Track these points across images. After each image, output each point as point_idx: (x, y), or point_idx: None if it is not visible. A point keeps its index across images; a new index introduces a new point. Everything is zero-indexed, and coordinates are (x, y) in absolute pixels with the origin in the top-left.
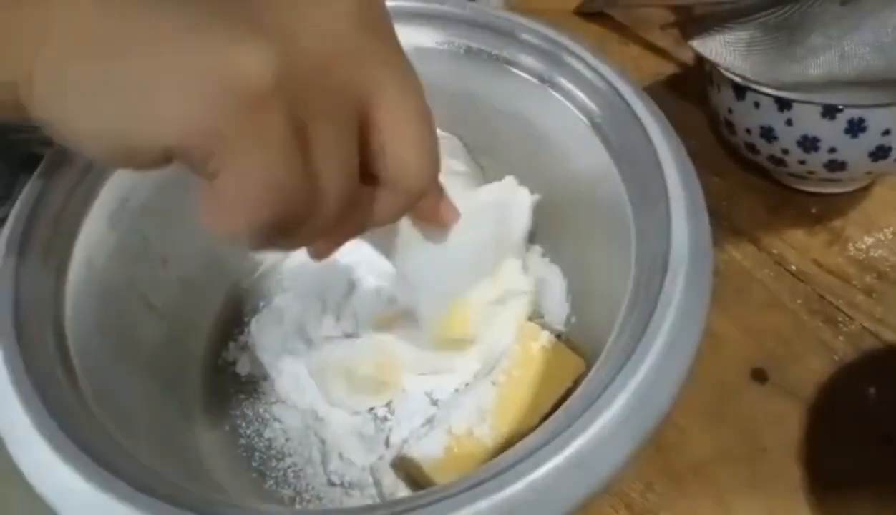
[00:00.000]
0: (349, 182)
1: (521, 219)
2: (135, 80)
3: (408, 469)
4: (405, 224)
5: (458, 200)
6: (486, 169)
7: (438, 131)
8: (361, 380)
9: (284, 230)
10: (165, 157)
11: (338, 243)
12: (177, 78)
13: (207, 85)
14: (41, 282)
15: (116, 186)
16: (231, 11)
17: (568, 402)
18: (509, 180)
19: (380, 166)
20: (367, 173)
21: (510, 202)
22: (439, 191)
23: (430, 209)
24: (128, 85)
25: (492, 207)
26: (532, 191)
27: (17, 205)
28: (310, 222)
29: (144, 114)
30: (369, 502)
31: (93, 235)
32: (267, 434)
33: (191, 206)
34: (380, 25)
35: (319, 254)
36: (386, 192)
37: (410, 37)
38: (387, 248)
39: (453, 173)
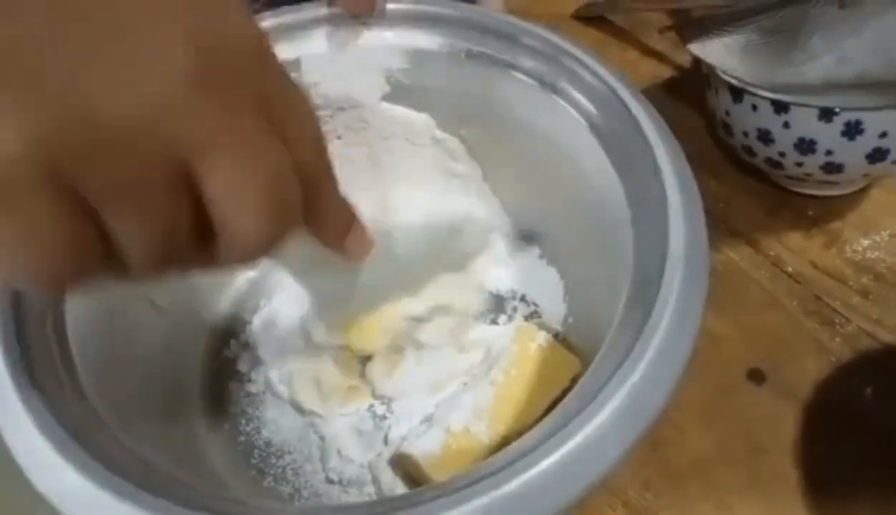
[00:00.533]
0: (159, 245)
1: (473, 242)
2: None
3: (406, 467)
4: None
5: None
6: (485, 171)
7: (438, 132)
8: (329, 387)
9: (67, 283)
10: None
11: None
12: None
13: None
14: None
15: None
16: (14, 66)
17: (564, 401)
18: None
19: (213, 221)
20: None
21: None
22: (342, 224)
23: (331, 244)
24: None
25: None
26: (531, 193)
27: None
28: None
29: None
30: (367, 499)
31: None
32: (266, 431)
33: None
34: (219, 80)
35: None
36: (223, 247)
37: (410, 39)
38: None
39: (453, 175)
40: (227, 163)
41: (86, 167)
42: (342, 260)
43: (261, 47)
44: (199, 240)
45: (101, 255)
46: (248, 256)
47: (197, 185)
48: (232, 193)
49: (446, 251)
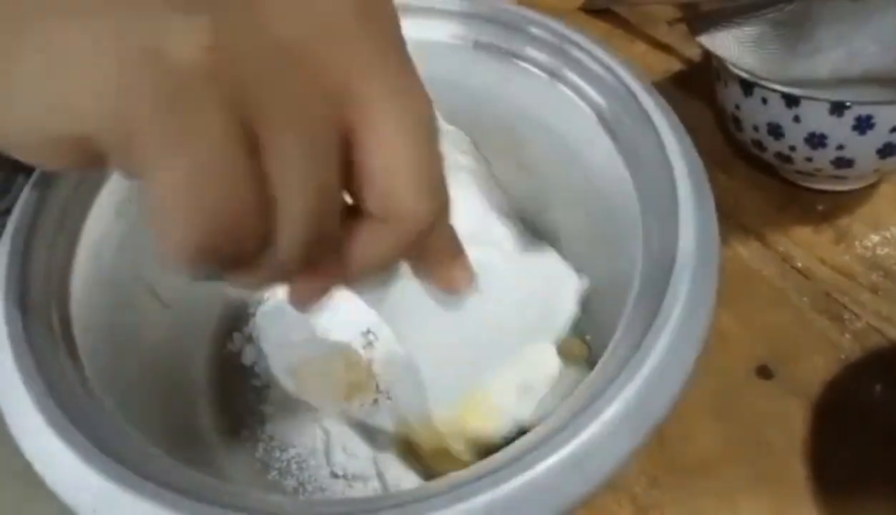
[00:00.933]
0: (319, 206)
1: (565, 305)
2: (43, 56)
3: (410, 448)
4: (410, 284)
5: (484, 267)
6: (493, 164)
7: (444, 125)
8: (335, 382)
9: (231, 259)
10: (86, 151)
11: (320, 289)
12: (92, 51)
13: (125, 60)
14: (48, 272)
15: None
16: None
17: (571, 398)
18: (553, 256)
19: (365, 194)
20: (355, 205)
21: (552, 279)
22: (453, 247)
23: (436, 266)
24: (36, 61)
25: (528, 280)
26: (539, 186)
27: (26, 192)
28: (268, 254)
29: (53, 95)
30: (371, 494)
31: (101, 224)
32: (271, 424)
33: None
34: (381, 17)
35: (298, 300)
36: (373, 228)
37: (418, 30)
38: (386, 310)
39: (459, 167)
40: (393, 113)
41: (268, 93)
42: (442, 292)
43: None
44: (342, 223)
45: (257, 221)
46: (407, 236)
47: (354, 137)
48: (402, 154)
49: None
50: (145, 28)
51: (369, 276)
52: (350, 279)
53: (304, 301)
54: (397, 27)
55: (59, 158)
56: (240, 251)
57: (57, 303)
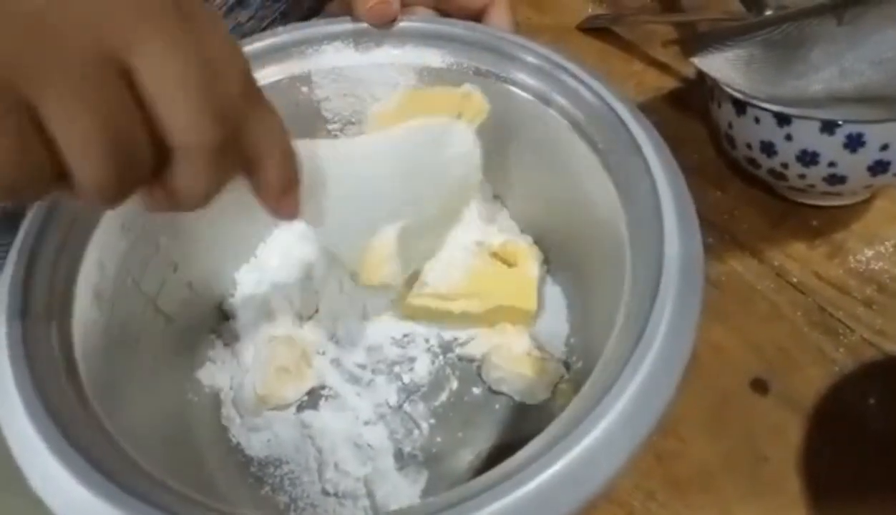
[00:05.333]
0: (108, 148)
1: (460, 150)
2: None
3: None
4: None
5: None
6: (492, 183)
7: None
8: (283, 374)
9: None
10: None
11: (172, 204)
12: None
13: None
14: (51, 285)
15: None
16: None
17: (563, 414)
18: (444, 118)
19: (159, 128)
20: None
21: (443, 135)
22: (281, 178)
23: (264, 195)
24: None
25: (414, 140)
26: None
27: (34, 206)
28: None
29: None
30: (362, 513)
31: (105, 239)
32: (265, 440)
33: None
34: None
35: (152, 207)
36: (176, 159)
37: (421, 57)
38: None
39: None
40: (157, 52)
41: (19, 63)
42: (270, 215)
43: None
44: (154, 160)
45: (51, 167)
46: (203, 168)
47: (134, 82)
48: (167, 80)
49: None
50: None
51: (194, 203)
52: (182, 208)
53: (156, 210)
54: None
55: None
56: (37, 191)
57: (58, 316)
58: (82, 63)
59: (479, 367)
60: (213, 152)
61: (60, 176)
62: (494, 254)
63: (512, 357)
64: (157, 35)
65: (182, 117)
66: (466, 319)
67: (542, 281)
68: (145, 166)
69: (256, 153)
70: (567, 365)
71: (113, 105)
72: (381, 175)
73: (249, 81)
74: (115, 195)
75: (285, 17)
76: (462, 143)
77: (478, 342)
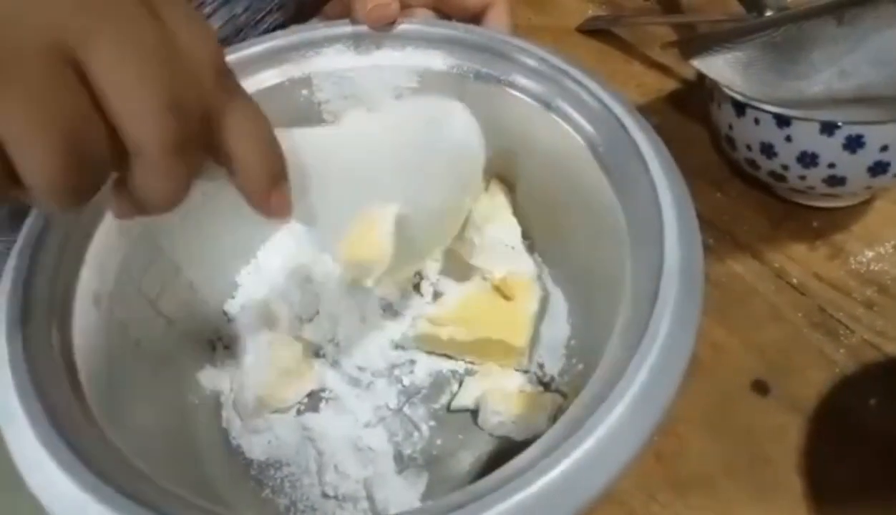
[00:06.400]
0: (55, 158)
1: (455, 134)
2: None
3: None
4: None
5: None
6: (489, 184)
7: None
8: (283, 376)
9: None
10: None
11: (136, 210)
12: None
13: None
14: (51, 287)
15: None
16: None
17: (562, 418)
18: (436, 97)
19: (115, 124)
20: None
21: (439, 117)
22: (266, 177)
23: (251, 194)
24: None
25: (411, 125)
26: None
27: (34, 210)
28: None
29: None
30: None
31: (106, 242)
32: (265, 442)
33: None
34: None
35: (119, 211)
36: (134, 164)
37: (421, 60)
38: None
39: None
40: (108, 44)
41: None
42: (261, 216)
43: None
44: (115, 160)
45: (2, 170)
46: (163, 166)
47: (86, 77)
48: (118, 73)
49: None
50: None
51: (157, 204)
52: (148, 210)
53: (124, 215)
54: None
55: None
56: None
57: (59, 319)
58: (27, 56)
59: (474, 416)
60: (171, 149)
61: (15, 179)
62: (496, 288)
63: (506, 398)
64: (109, 26)
65: (135, 112)
66: (453, 346)
67: (538, 319)
68: (103, 167)
69: (235, 147)
70: (563, 394)
71: (63, 101)
72: (376, 163)
73: (223, 73)
74: (72, 198)
75: (281, 10)
76: (462, 128)
77: (468, 391)
